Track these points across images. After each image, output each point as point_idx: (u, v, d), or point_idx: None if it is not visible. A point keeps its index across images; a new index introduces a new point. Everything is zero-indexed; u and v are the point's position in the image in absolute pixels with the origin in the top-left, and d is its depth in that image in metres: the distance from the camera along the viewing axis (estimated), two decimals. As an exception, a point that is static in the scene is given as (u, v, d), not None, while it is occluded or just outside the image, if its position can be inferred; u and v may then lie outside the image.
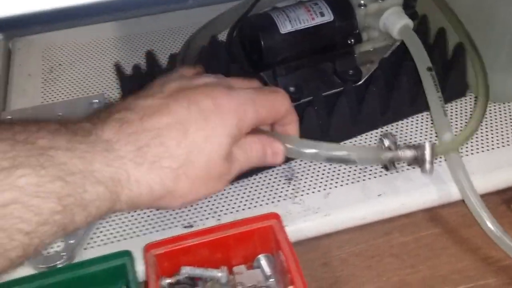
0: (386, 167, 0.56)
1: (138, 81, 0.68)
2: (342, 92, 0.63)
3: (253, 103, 0.47)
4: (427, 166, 0.53)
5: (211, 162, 0.45)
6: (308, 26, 0.62)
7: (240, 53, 0.67)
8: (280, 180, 0.61)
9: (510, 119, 0.67)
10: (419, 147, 0.54)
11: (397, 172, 0.61)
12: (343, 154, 0.53)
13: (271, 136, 0.52)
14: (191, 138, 0.43)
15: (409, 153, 0.54)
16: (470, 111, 0.69)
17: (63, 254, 0.53)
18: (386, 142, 0.54)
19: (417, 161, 0.54)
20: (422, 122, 0.67)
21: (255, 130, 0.50)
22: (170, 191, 0.43)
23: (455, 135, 0.60)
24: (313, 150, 0.52)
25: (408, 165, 0.56)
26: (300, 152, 0.53)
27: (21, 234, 0.36)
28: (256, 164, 0.50)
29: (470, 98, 0.70)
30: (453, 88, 0.64)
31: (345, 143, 0.64)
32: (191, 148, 0.43)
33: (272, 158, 0.51)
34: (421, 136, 0.66)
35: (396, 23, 0.63)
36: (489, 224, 0.54)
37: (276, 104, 0.50)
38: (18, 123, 0.39)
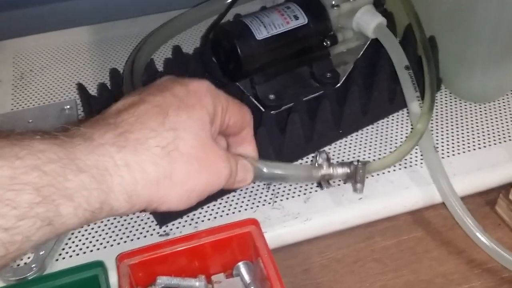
0: (320, 185, 0.55)
1: (103, 101, 0.64)
2: (323, 95, 0.62)
3: (224, 93, 0.46)
4: (358, 185, 0.54)
5: (201, 139, 0.42)
6: (284, 30, 0.61)
7: (213, 63, 0.65)
8: (259, 185, 0.59)
9: (491, 119, 0.67)
10: (351, 165, 0.54)
11: (377, 175, 0.60)
12: (278, 173, 0.52)
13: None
14: (173, 117, 0.41)
15: (340, 171, 0.54)
16: (446, 107, 0.69)
17: (33, 265, 0.51)
18: (319, 160, 0.54)
19: (350, 179, 0.54)
20: (402, 119, 0.67)
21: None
22: (166, 173, 0.40)
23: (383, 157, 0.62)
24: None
25: (344, 183, 0.57)
26: None
27: None
28: (232, 180, 0.47)
29: (445, 93, 0.70)
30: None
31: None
32: (176, 125, 0.41)
33: (243, 175, 0.48)
34: (401, 135, 0.65)
35: (370, 22, 0.62)
36: (471, 226, 0.54)
37: (243, 108, 0.49)
38: None
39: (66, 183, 0.36)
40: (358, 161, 0.54)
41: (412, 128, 0.64)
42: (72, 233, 0.55)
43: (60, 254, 0.53)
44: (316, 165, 0.54)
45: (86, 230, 0.55)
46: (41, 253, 0.52)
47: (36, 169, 0.35)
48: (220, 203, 0.58)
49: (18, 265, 0.52)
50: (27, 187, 0.34)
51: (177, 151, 0.41)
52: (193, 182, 0.42)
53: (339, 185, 0.59)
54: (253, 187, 0.59)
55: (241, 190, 0.59)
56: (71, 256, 0.53)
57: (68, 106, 0.69)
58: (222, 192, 0.58)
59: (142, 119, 0.40)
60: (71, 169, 0.36)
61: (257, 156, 0.52)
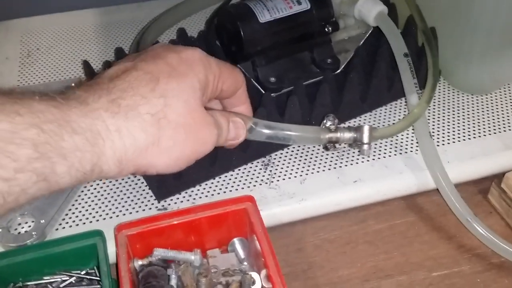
0: (326, 148, 0.56)
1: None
2: (323, 80, 0.63)
3: (216, 60, 0.48)
4: (365, 147, 0.54)
5: (190, 107, 0.44)
6: (287, 14, 0.63)
7: (217, 46, 0.66)
8: (256, 166, 0.61)
9: (487, 110, 0.68)
10: (358, 130, 0.54)
11: (373, 159, 0.61)
12: (283, 133, 0.52)
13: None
14: (163, 84, 0.43)
15: (348, 135, 0.54)
16: (443, 97, 0.70)
17: (34, 233, 0.52)
18: (327, 123, 0.54)
19: (356, 143, 0.55)
20: (400, 108, 0.68)
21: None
22: (154, 140, 0.42)
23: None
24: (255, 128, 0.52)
25: (349, 146, 0.57)
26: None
27: None
28: (223, 138, 0.49)
29: (443, 84, 0.71)
30: (427, 75, 0.64)
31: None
32: (166, 93, 0.42)
33: (235, 132, 0.50)
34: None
35: (371, 10, 0.64)
36: (461, 210, 0.55)
37: (235, 72, 0.50)
38: None
39: (61, 142, 0.37)
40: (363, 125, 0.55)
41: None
42: (73, 204, 0.56)
43: (60, 224, 0.55)
44: (324, 127, 0.54)
45: (86, 202, 0.57)
46: (42, 221, 0.53)
47: (35, 126, 0.36)
48: (218, 181, 0.59)
49: (19, 232, 0.53)
50: (26, 142, 0.36)
51: (165, 118, 0.42)
52: (179, 149, 0.44)
53: (344, 149, 0.61)
54: (250, 167, 0.60)
55: (239, 169, 0.60)
56: (70, 226, 0.55)
57: (73, 84, 0.70)
58: (221, 170, 0.59)
59: (133, 85, 0.42)
60: (66, 130, 0.38)
61: (251, 114, 0.53)
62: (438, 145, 0.62)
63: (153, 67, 0.43)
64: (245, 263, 0.52)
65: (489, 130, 0.65)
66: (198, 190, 0.58)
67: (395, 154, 0.62)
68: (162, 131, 0.42)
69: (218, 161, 0.58)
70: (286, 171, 0.60)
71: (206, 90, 0.46)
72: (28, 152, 0.36)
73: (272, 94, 0.62)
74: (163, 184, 0.56)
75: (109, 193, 0.58)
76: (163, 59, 0.44)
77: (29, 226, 0.53)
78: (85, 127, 0.39)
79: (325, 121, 0.54)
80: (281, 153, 0.62)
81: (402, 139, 0.64)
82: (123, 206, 0.56)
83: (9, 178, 0.35)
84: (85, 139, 0.38)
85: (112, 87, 0.41)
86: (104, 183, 0.59)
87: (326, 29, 0.64)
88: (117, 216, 0.55)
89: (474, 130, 0.65)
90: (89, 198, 0.57)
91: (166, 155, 0.43)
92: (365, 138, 0.53)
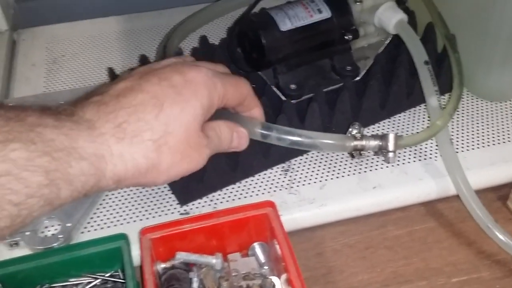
0: (352, 155, 0.57)
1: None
2: (343, 87, 0.64)
3: (220, 79, 0.49)
4: (390, 155, 0.55)
5: (189, 133, 0.46)
6: (307, 23, 0.64)
7: (238, 53, 0.68)
8: (276, 171, 0.61)
9: (506, 117, 0.68)
10: (383, 138, 0.55)
11: (392, 166, 0.62)
12: (309, 140, 0.54)
13: (237, 120, 0.54)
14: (167, 111, 0.45)
15: (373, 143, 0.55)
16: (462, 104, 0.70)
17: (60, 236, 0.54)
18: (353, 131, 0.55)
19: (381, 151, 0.55)
20: (419, 115, 0.68)
21: (223, 114, 0.52)
22: (155, 164, 0.45)
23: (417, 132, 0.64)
24: (279, 135, 0.54)
25: (374, 154, 0.58)
26: (265, 135, 0.54)
27: (10, 204, 0.37)
28: (225, 147, 0.52)
29: (463, 91, 0.71)
30: (446, 81, 0.65)
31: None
32: (168, 120, 0.45)
33: (238, 142, 0.53)
34: (417, 129, 0.67)
35: (391, 17, 0.64)
36: (482, 216, 0.55)
37: (240, 85, 0.52)
38: (3, 104, 0.40)
39: (69, 169, 0.40)
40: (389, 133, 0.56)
41: (429, 120, 0.65)
42: (98, 208, 0.58)
43: (86, 227, 0.56)
44: (349, 135, 0.55)
45: (110, 206, 0.58)
46: (68, 225, 0.54)
47: (47, 154, 0.38)
48: (239, 187, 0.60)
49: (46, 235, 0.55)
50: (39, 170, 0.38)
51: (166, 145, 0.45)
52: (176, 170, 0.47)
53: (369, 157, 0.62)
54: (271, 172, 0.61)
55: (259, 175, 0.61)
56: (96, 230, 0.56)
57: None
58: (242, 176, 0.60)
59: (139, 109, 0.44)
60: (74, 157, 0.40)
61: (263, 117, 0.56)
62: (457, 152, 0.63)
63: (158, 89, 0.46)
64: (265, 267, 0.53)
65: (509, 137, 0.65)
66: (220, 195, 0.59)
67: (415, 161, 0.62)
68: (162, 155, 0.45)
69: (239, 166, 0.59)
70: (306, 176, 0.61)
71: (209, 112, 0.48)
72: (40, 179, 0.38)
73: (292, 101, 0.63)
74: (186, 189, 0.58)
75: (132, 198, 0.59)
76: (168, 81, 0.46)
77: (56, 230, 0.55)
78: (91, 152, 0.41)
79: (350, 129, 0.55)
80: (301, 159, 0.63)
81: (421, 145, 0.64)
82: (146, 210, 0.58)
83: (20, 203, 0.37)
84: (90, 163, 0.41)
85: (118, 109, 0.44)
86: (128, 188, 0.60)
87: (346, 37, 0.65)
88: (141, 220, 0.57)
89: (493, 137, 0.65)
90: (113, 202, 0.58)
91: (165, 175, 0.46)
92: (391, 146, 0.54)
